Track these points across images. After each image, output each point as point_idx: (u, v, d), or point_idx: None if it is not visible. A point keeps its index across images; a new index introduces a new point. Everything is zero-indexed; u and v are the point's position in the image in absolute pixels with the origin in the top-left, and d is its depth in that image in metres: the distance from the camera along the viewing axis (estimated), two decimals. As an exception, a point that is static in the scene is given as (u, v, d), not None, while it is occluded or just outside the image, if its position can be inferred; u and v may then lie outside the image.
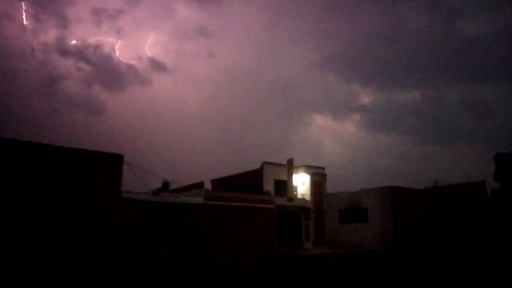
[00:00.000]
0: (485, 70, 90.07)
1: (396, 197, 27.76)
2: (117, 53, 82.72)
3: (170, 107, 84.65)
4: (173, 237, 18.19)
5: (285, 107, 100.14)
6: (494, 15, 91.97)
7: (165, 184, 25.10)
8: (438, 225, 28.39)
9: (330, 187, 33.53)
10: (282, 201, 28.31)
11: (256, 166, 31.71)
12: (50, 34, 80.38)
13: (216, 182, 34.67)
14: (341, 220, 31.02)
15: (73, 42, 75.29)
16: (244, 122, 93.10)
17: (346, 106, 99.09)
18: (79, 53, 79.66)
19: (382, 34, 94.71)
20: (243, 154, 78.78)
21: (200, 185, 26.81)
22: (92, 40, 79.70)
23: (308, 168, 32.81)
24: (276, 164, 31.83)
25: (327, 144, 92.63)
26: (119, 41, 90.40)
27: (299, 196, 31.57)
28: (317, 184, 32.61)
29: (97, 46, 77.46)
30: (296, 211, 29.68)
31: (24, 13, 67.19)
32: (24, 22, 67.45)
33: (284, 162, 32.15)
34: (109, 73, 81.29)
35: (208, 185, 32.42)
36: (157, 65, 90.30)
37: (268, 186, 29.92)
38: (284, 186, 30.86)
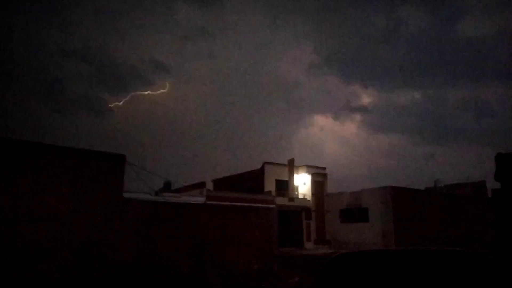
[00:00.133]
0: (485, 70, 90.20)
1: (396, 197, 27.82)
2: (119, 55, 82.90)
3: (171, 107, 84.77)
4: (175, 237, 18.29)
5: (286, 108, 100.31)
6: (494, 17, 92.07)
7: (167, 184, 25.22)
8: (439, 225, 28.47)
9: (331, 187, 33.65)
10: (283, 201, 28.42)
11: (257, 166, 31.82)
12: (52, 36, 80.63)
13: (217, 182, 34.79)
14: (342, 220, 31.09)
15: (75, 43, 75.47)
16: (245, 122, 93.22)
17: (347, 107, 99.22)
18: (82, 55, 79.96)
19: (382, 35, 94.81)
20: (244, 154, 78.95)
21: (201, 185, 26.89)
22: (94, 41, 79.96)
23: (309, 168, 32.90)
24: (277, 164, 31.93)
25: (328, 144, 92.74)
26: (122, 42, 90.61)
27: (300, 196, 31.66)
28: (318, 184, 32.69)
29: (99, 47, 77.67)
30: (297, 211, 29.76)
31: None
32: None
33: (285, 162, 32.25)
34: (111, 74, 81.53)
35: (209, 185, 32.57)
36: (158, 66, 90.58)
37: (269, 186, 30.02)
38: (285, 186, 30.96)
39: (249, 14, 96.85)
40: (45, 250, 14.49)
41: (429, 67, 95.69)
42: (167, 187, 25.04)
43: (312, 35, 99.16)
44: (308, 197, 31.75)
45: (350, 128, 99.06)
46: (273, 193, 27.96)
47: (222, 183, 33.81)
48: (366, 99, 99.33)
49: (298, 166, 32.54)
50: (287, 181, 31.39)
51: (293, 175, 31.59)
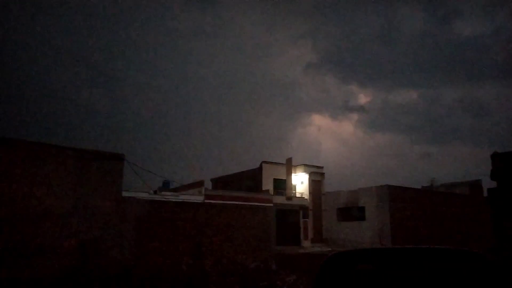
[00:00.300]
0: (481, 70, 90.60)
1: (393, 196, 27.97)
2: (118, 56, 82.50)
3: (170, 107, 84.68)
4: (174, 235, 18.38)
5: (284, 107, 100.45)
6: (489, 17, 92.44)
7: (166, 183, 25.26)
8: (435, 223, 28.64)
9: (328, 186, 33.77)
10: (281, 199, 28.49)
11: (255, 165, 31.90)
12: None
13: (216, 181, 34.85)
14: (339, 219, 31.23)
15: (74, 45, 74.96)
16: (244, 121, 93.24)
17: (344, 106, 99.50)
18: (79, 56, 79.55)
19: (379, 35, 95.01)
20: (242, 153, 79.00)
21: (200, 184, 26.92)
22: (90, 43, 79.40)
23: (307, 167, 32.98)
24: (275, 163, 32.00)
25: (326, 144, 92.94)
26: (120, 44, 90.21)
27: (298, 195, 31.74)
28: (316, 183, 32.78)
29: (94, 48, 77.17)
30: (294, 210, 29.85)
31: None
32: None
33: (283, 161, 32.32)
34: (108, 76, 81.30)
35: (208, 184, 32.64)
36: (158, 66, 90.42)
37: (267, 185, 30.09)
38: (283, 185, 31.04)
39: (247, 14, 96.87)
40: (44, 249, 14.53)
41: (426, 67, 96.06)
42: (165, 186, 25.09)
43: (310, 35, 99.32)
44: (306, 196, 31.84)
45: (347, 127, 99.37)
46: (271, 192, 28.05)
47: (220, 182, 33.88)
48: (363, 98, 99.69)
49: (295, 165, 32.63)
50: (285, 180, 31.47)
51: (290, 174, 31.67)
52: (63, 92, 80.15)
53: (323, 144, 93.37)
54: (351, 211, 30.85)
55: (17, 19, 75.48)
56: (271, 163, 31.82)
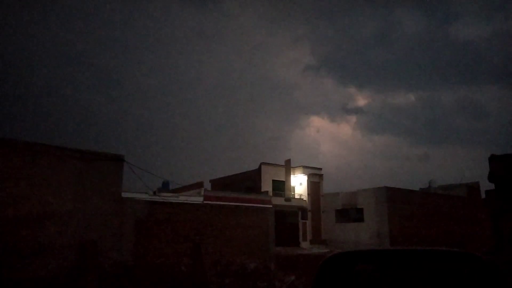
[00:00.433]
0: (479, 72, 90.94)
1: (391, 198, 28.06)
2: (117, 59, 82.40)
3: (170, 108, 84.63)
4: (173, 236, 18.41)
5: (283, 109, 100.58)
6: (487, 20, 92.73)
7: (165, 184, 25.29)
8: (433, 225, 28.73)
9: (327, 188, 33.87)
10: (279, 201, 28.57)
11: (254, 166, 31.98)
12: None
13: (215, 182, 34.89)
14: (338, 220, 31.31)
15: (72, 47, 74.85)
16: (242, 123, 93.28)
17: (343, 108, 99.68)
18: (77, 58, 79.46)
19: (377, 37, 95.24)
20: (241, 154, 79.02)
21: (199, 185, 27.00)
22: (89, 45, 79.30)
23: (305, 168, 33.07)
24: (273, 165, 32.08)
25: (324, 145, 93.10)
26: (118, 46, 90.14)
27: (297, 196, 31.82)
28: (314, 185, 32.87)
29: (94, 51, 77.05)
30: (293, 211, 29.93)
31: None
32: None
33: (282, 163, 32.41)
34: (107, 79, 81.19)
35: (207, 185, 32.70)
36: (157, 67, 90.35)
37: (266, 186, 30.17)
38: (281, 186, 31.12)
39: (246, 16, 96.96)
40: (44, 249, 14.55)
41: (424, 69, 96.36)
42: (165, 187, 25.12)
43: (309, 37, 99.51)
44: (304, 197, 31.92)
45: (346, 129, 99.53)
46: (270, 193, 28.14)
47: (219, 183, 33.92)
48: (361, 100, 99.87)
49: (294, 167, 32.71)
50: (283, 181, 31.55)
51: (289, 176, 31.75)
52: (63, 93, 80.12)
53: (322, 146, 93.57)
54: (349, 213, 30.95)
55: (17, 19, 75.45)
56: (270, 164, 31.90)
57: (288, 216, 29.48)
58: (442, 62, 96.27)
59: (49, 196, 15.05)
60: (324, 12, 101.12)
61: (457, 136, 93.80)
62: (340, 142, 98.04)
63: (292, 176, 32.11)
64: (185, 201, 19.88)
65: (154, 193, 19.46)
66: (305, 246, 29.32)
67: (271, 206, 24.31)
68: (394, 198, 28.19)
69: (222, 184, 33.23)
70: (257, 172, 31.12)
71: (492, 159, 14.61)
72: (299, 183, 32.65)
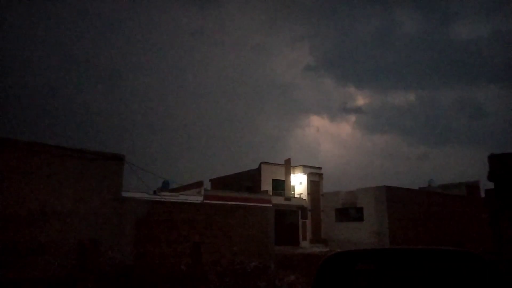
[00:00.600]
0: (479, 72, 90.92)
1: (391, 197, 28.08)
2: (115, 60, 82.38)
3: (170, 108, 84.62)
4: (173, 236, 18.41)
5: (282, 109, 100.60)
6: (487, 19, 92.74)
7: (165, 184, 25.28)
8: (432, 224, 28.75)
9: (327, 187, 33.89)
10: (279, 200, 28.59)
11: (254, 166, 31.98)
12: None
13: (215, 182, 34.90)
14: (338, 219, 31.32)
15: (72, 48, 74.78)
16: (242, 123, 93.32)
17: (342, 108, 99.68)
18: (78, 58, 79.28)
19: (377, 36, 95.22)
20: (241, 154, 79.05)
21: (199, 184, 27.01)
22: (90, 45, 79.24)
23: (305, 168, 33.08)
24: (273, 164, 32.09)
25: (324, 145, 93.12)
26: (116, 47, 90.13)
27: (296, 196, 31.85)
28: (314, 184, 32.89)
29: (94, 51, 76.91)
30: (293, 210, 29.95)
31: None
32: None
33: (282, 162, 32.43)
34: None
35: (207, 185, 32.70)
36: (156, 68, 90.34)
37: (266, 185, 30.18)
38: (281, 186, 31.14)
39: (246, 16, 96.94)
40: (43, 249, 14.57)
41: (423, 69, 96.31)
42: (165, 186, 25.10)
43: (308, 37, 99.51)
44: (304, 196, 31.94)
45: (345, 128, 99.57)
46: (270, 193, 28.15)
47: (219, 183, 33.93)
48: (361, 100, 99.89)
49: (294, 166, 32.73)
50: (283, 180, 31.57)
51: (289, 175, 31.77)
52: (63, 92, 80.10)
53: (322, 145, 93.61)
54: (349, 212, 30.96)
55: (17, 19, 75.42)
56: (270, 164, 31.91)
57: (288, 216, 29.50)
58: (442, 61, 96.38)
59: (49, 196, 15.06)
60: (323, 12, 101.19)
61: (456, 136, 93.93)
62: (339, 142, 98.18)
63: (292, 175, 32.13)
64: (185, 201, 19.89)
65: (154, 192, 19.46)
66: (305, 245, 29.34)
67: (271, 205, 24.33)
68: (393, 197, 28.21)
69: (222, 183, 33.24)
70: (257, 171, 31.14)
71: (492, 158, 14.60)
72: (299, 183, 32.67)
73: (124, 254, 16.65)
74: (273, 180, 31.14)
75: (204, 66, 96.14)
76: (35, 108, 74.62)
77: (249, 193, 25.49)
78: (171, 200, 19.36)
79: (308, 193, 32.19)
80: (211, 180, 35.21)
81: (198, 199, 20.47)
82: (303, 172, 32.68)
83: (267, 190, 28.73)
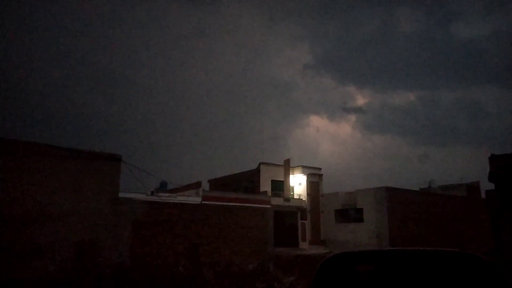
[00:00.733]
0: (479, 72, 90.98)
1: (391, 198, 27.98)
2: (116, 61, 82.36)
3: (168, 108, 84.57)
4: (171, 237, 18.31)
5: (282, 108, 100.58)
6: (487, 19, 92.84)
7: (163, 184, 25.21)
8: (433, 225, 28.65)
9: (326, 188, 33.78)
10: (278, 201, 28.47)
11: (253, 166, 31.88)
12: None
13: (213, 182, 34.79)
14: (337, 220, 31.22)
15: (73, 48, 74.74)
16: (241, 123, 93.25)
17: (342, 108, 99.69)
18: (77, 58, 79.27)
19: (377, 36, 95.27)
20: (240, 154, 78.96)
21: (197, 185, 26.91)
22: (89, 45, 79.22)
23: (305, 168, 32.99)
24: (272, 165, 32.00)
25: (323, 145, 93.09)
26: (116, 47, 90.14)
27: (296, 196, 31.74)
28: (313, 185, 32.79)
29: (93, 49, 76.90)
30: (292, 211, 29.83)
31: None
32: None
33: (281, 163, 32.33)
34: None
35: (205, 185, 32.60)
36: (155, 68, 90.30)
37: (265, 186, 30.08)
38: (280, 186, 31.04)
39: (246, 15, 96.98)
40: (41, 250, 14.47)
41: (424, 69, 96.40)
42: (163, 187, 25.03)
43: (308, 36, 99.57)
44: (304, 197, 31.84)
45: (345, 128, 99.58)
46: (269, 193, 28.03)
47: (218, 183, 33.83)
48: (361, 100, 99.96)
49: (293, 167, 32.63)
50: (282, 181, 31.47)
51: (288, 176, 31.67)
52: (61, 92, 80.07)
53: (321, 146, 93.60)
54: (349, 213, 30.87)
55: (17, 19, 75.40)
56: (269, 164, 31.81)
57: (287, 216, 29.39)
58: (442, 61, 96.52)
59: (46, 196, 14.96)
60: (323, 11, 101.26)
61: (457, 136, 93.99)
62: (339, 142, 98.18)
63: (291, 176, 32.03)
64: (183, 201, 19.77)
65: (152, 193, 19.35)
66: (304, 246, 29.22)
67: (270, 206, 24.22)
68: (393, 198, 28.11)
69: (221, 184, 33.14)
70: (256, 172, 31.03)
71: (493, 158, 14.51)
72: (298, 183, 32.57)
73: (122, 255, 16.55)
74: (272, 180, 31.04)
75: (203, 66, 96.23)
76: (33, 108, 74.58)
77: (247, 194, 25.38)
78: (169, 201, 19.25)
79: (307, 194, 32.09)
80: (209, 181, 35.10)
81: (196, 200, 20.35)
82: (303, 173, 32.58)
83: (266, 191, 28.62)
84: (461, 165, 79.91)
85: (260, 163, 31.31)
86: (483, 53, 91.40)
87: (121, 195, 17.13)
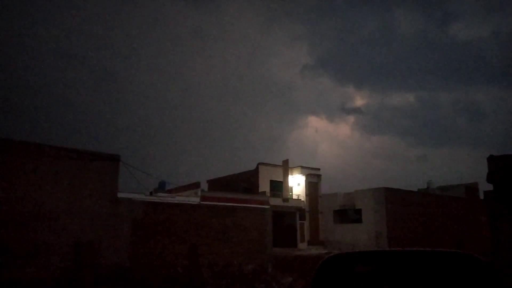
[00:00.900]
0: (478, 73, 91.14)
1: (390, 198, 28.00)
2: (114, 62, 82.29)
3: (167, 108, 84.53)
4: (169, 237, 18.29)
5: (281, 109, 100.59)
6: (486, 20, 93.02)
7: (162, 184, 25.19)
8: (431, 225, 28.68)
9: (325, 188, 33.80)
10: (277, 201, 28.46)
11: (252, 166, 31.86)
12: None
13: (212, 182, 34.77)
14: (336, 221, 31.22)
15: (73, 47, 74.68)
16: (240, 123, 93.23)
17: (341, 108, 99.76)
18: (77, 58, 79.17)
19: (376, 37, 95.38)
20: (239, 155, 78.95)
21: (196, 185, 26.90)
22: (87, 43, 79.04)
23: (303, 169, 33.00)
24: (271, 165, 32.00)
25: (322, 146, 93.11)
26: (116, 47, 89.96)
27: (294, 197, 31.74)
28: (312, 185, 32.80)
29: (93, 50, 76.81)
30: (291, 212, 29.83)
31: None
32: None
33: (280, 163, 32.33)
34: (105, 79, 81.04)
35: (204, 186, 32.59)
36: (152, 67, 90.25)
37: (264, 186, 30.07)
38: (279, 187, 31.04)
39: (244, 15, 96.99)
40: (40, 250, 14.45)
41: (422, 69, 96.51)
42: (161, 187, 25.01)
43: (306, 37, 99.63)
44: (302, 198, 31.84)
45: (344, 129, 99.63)
46: (268, 194, 28.02)
47: (216, 184, 33.81)
48: (360, 100, 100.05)
49: (292, 167, 32.63)
50: (281, 182, 31.47)
51: (287, 176, 31.67)
52: (60, 92, 79.94)
53: (320, 146, 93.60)
54: (347, 213, 30.87)
55: (17, 19, 75.32)
56: (268, 164, 31.81)
57: (286, 217, 29.39)
58: (441, 62, 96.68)
59: (45, 196, 14.95)
60: (322, 11, 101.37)
61: (455, 137, 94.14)
62: (338, 142, 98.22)
63: (290, 176, 32.02)
64: (182, 202, 19.75)
65: (151, 193, 19.32)
66: (303, 247, 29.22)
67: (268, 206, 24.20)
68: (392, 198, 28.13)
69: (219, 184, 33.12)
70: (255, 172, 31.03)
71: (491, 159, 14.51)
72: (297, 184, 32.58)
73: (120, 255, 16.53)
74: (271, 181, 31.04)
75: (202, 66, 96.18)
76: (31, 108, 74.47)
77: (246, 194, 25.36)
78: (168, 201, 19.23)
79: (306, 195, 32.10)
80: (208, 181, 35.08)
81: (195, 200, 20.33)
82: (301, 173, 32.59)
83: (264, 191, 28.61)
84: (460, 166, 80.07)
85: (258, 164, 31.30)
86: (482, 54, 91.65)
87: (120, 195, 17.11)
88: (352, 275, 3.00)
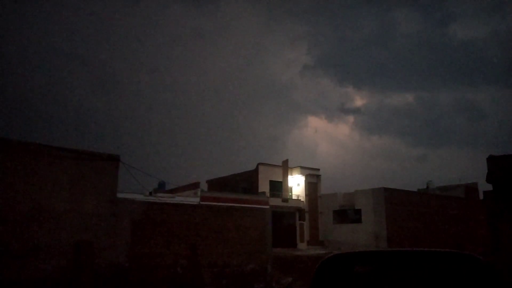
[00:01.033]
0: (477, 73, 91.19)
1: (389, 198, 28.00)
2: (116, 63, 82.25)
3: (166, 108, 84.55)
4: (168, 237, 18.27)
5: (280, 109, 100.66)
6: (485, 20, 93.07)
7: (161, 185, 25.18)
8: (431, 226, 28.68)
9: (325, 188, 33.80)
10: (277, 201, 28.46)
11: (252, 167, 31.86)
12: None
13: (211, 183, 34.76)
14: (335, 221, 31.22)
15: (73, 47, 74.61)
16: (239, 123, 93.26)
17: (340, 108, 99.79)
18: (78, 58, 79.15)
19: (375, 37, 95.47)
20: (238, 155, 78.97)
21: (195, 185, 26.88)
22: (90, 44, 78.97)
23: (303, 169, 32.99)
24: (271, 165, 31.99)
25: (322, 146, 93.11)
26: (117, 47, 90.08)
27: (294, 197, 31.73)
28: (312, 185, 32.79)
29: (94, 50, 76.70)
30: (291, 212, 29.83)
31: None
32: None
33: (279, 163, 32.32)
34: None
35: (204, 186, 32.57)
36: (152, 68, 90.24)
37: (263, 186, 30.06)
38: (279, 187, 31.03)
39: (244, 15, 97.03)
40: (38, 250, 14.42)
41: (422, 70, 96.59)
42: (161, 187, 25.00)
43: (306, 37, 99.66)
44: (302, 198, 31.83)
45: (343, 129, 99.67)
46: (267, 194, 28.02)
47: (216, 184, 33.80)
48: (359, 101, 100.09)
49: (292, 167, 32.62)
50: (281, 182, 31.46)
51: (287, 176, 31.66)
52: (59, 92, 79.93)
53: (319, 146, 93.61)
54: (347, 214, 30.87)
55: (16, 19, 75.33)
56: (267, 165, 31.81)
57: (286, 217, 29.39)
58: (440, 62, 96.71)
59: (43, 196, 14.91)
60: (322, 11, 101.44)
61: (455, 137, 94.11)
62: (338, 143, 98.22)
63: (289, 176, 32.01)
64: (181, 202, 19.75)
65: (150, 193, 19.33)
66: (303, 247, 29.22)
67: (268, 207, 24.20)
68: (392, 199, 28.13)
69: (219, 184, 33.11)
70: (254, 172, 31.02)
71: (491, 159, 14.51)
72: (296, 184, 32.57)
73: (120, 256, 16.50)
74: (271, 181, 31.03)
75: (201, 66, 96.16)
76: (30, 108, 74.43)
77: (246, 195, 25.38)
78: (167, 201, 19.24)
79: (305, 195, 32.09)
80: (207, 181, 35.06)
81: (195, 200, 20.34)
82: (301, 174, 32.58)
83: (264, 192, 28.60)
84: (459, 166, 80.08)
85: (258, 164, 31.30)
86: (481, 54, 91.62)
87: (119, 195, 17.08)
88: (351, 275, 2.99)
